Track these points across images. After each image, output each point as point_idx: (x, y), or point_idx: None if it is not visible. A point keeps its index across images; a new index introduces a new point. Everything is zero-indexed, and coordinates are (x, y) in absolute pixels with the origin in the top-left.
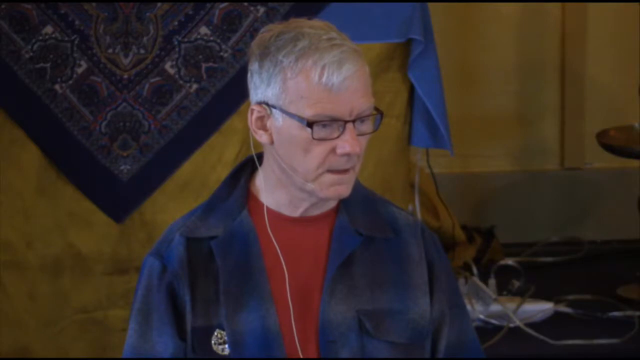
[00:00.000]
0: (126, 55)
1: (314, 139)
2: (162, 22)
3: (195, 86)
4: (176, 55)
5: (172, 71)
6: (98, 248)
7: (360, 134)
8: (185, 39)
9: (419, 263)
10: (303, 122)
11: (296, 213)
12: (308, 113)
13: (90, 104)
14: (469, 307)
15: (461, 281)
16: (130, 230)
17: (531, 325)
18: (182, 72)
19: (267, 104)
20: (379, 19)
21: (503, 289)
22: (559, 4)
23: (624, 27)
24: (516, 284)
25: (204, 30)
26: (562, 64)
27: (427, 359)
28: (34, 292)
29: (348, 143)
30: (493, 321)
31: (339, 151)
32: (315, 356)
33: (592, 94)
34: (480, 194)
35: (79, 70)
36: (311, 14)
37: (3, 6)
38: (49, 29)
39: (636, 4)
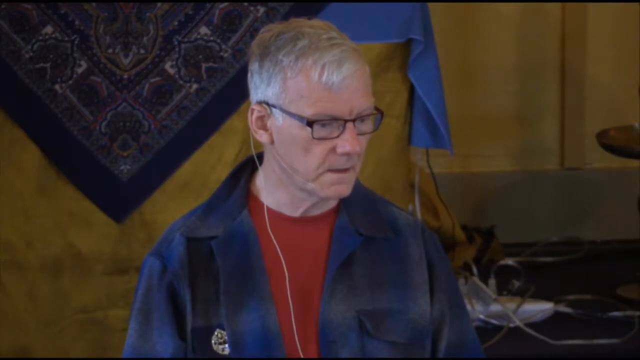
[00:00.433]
0: (126, 55)
1: (314, 138)
2: (162, 22)
3: (195, 86)
4: (176, 55)
5: (172, 71)
6: (98, 248)
7: (361, 134)
8: (185, 39)
9: (419, 263)
10: (303, 121)
11: (297, 213)
12: (308, 112)
13: (90, 104)
14: (469, 307)
15: (461, 281)
16: (130, 230)
17: (531, 325)
18: (182, 72)
19: (267, 104)
20: (379, 19)
21: (503, 289)
22: (559, 4)
23: (624, 27)
24: (516, 284)
25: (204, 30)
26: (562, 64)
27: (427, 359)
28: (34, 292)
29: (348, 142)
30: (493, 321)
31: (339, 150)
32: (315, 356)
33: (592, 94)
34: (480, 194)
35: (79, 70)
36: (311, 14)
37: (3, 6)
38: (49, 29)
39: (636, 4)
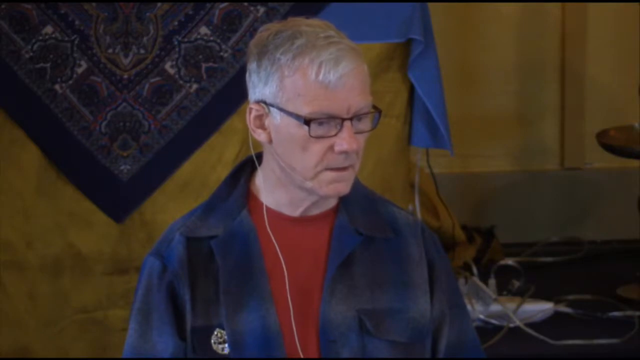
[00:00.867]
0: (126, 55)
1: (311, 136)
2: (162, 22)
3: (195, 86)
4: (176, 55)
5: (172, 71)
6: (98, 248)
7: (359, 132)
8: (185, 39)
9: (419, 263)
10: (300, 119)
11: (296, 212)
12: (305, 111)
13: (90, 104)
14: (469, 307)
15: (461, 281)
16: (130, 230)
17: (531, 325)
18: (182, 72)
19: (265, 103)
20: (379, 19)
21: (503, 289)
22: (559, 4)
23: (624, 27)
24: (516, 284)
25: (204, 30)
26: (562, 64)
27: (428, 359)
28: (34, 292)
29: (345, 141)
30: (493, 321)
31: (336, 149)
32: (315, 356)
33: (592, 94)
34: (480, 194)
35: (79, 70)
36: (311, 14)
37: (3, 6)
38: (49, 29)
39: (636, 4)
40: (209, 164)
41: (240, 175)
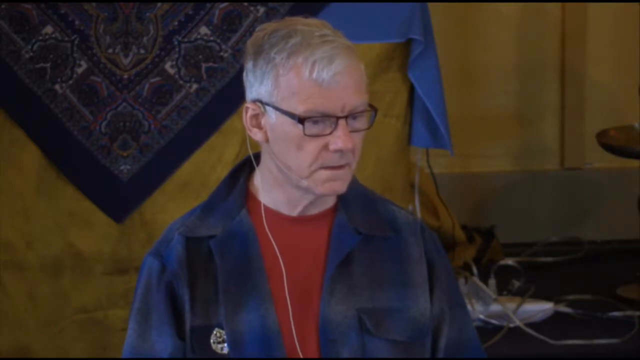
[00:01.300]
0: (126, 55)
1: (305, 135)
2: (162, 22)
3: (195, 86)
4: (176, 55)
5: (172, 71)
6: (98, 248)
7: (355, 131)
8: (185, 39)
9: (418, 262)
10: (295, 118)
11: (295, 212)
12: (300, 109)
13: (90, 104)
14: (469, 307)
15: (461, 281)
16: (130, 230)
17: (531, 325)
18: (182, 72)
19: (261, 102)
20: (379, 19)
21: (503, 289)
22: (559, 4)
23: (624, 27)
24: (516, 284)
25: (204, 30)
26: (562, 64)
27: (428, 359)
28: (34, 292)
29: (340, 139)
30: (493, 321)
31: (331, 147)
32: (315, 355)
33: (592, 94)
34: (480, 194)
35: (79, 70)
36: (311, 14)
37: (3, 6)
38: (49, 29)
39: (636, 4)
40: (209, 164)
41: (239, 175)
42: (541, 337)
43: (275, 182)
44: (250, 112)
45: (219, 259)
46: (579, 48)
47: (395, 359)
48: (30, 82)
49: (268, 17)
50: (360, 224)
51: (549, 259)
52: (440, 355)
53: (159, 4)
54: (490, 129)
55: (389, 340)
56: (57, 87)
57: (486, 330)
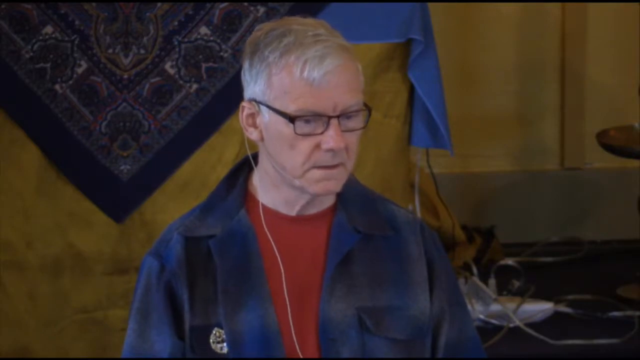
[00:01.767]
0: (126, 55)
1: (297, 134)
2: (162, 22)
3: (195, 86)
4: (176, 55)
5: (172, 71)
6: (98, 248)
7: (349, 130)
8: (185, 39)
9: (418, 260)
10: (286, 117)
11: (293, 212)
12: (291, 108)
13: (90, 104)
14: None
15: (461, 281)
16: (130, 230)
17: (531, 325)
18: (182, 72)
19: (256, 101)
20: (379, 19)
21: (503, 289)
22: (559, 4)
23: (624, 27)
24: (516, 284)
25: (204, 30)
26: (562, 64)
27: (428, 359)
28: (34, 292)
29: (332, 138)
30: (493, 321)
31: (323, 147)
32: (315, 355)
33: (592, 94)
34: (480, 194)
35: (79, 70)
36: (311, 14)
37: (3, 6)
38: (49, 29)
39: (636, 4)
40: (209, 164)
41: (238, 175)
42: (541, 337)
43: (273, 182)
44: (246, 111)
45: (218, 259)
46: (579, 48)
47: (396, 358)
48: (30, 82)
49: (268, 17)
50: (359, 223)
51: (549, 259)
52: (440, 354)
53: (159, 4)
54: (490, 129)
55: (388, 339)
56: (57, 87)
57: (486, 330)
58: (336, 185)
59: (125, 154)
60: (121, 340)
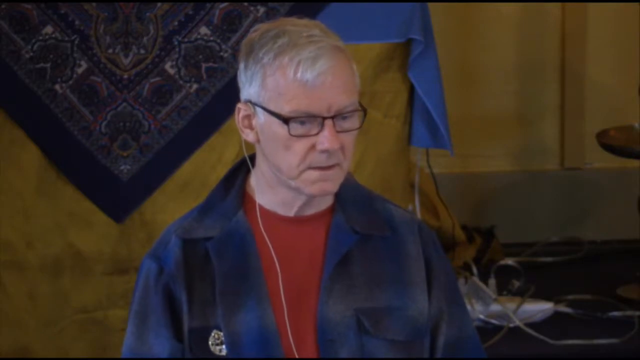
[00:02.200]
0: (126, 55)
1: (291, 135)
2: (162, 22)
3: (195, 86)
4: (176, 55)
5: (172, 71)
6: (98, 248)
7: (344, 131)
8: (185, 39)
9: (416, 260)
10: (281, 118)
11: (290, 213)
12: (286, 109)
13: (90, 104)
14: (469, 307)
15: (461, 281)
16: (130, 230)
17: (531, 325)
18: (182, 72)
19: (251, 102)
20: (379, 19)
21: (503, 289)
22: (559, 4)
23: (624, 27)
24: (516, 284)
25: (204, 30)
26: (562, 64)
27: (427, 359)
28: (34, 292)
29: (327, 139)
30: (493, 321)
31: (318, 148)
32: (314, 356)
33: (592, 94)
34: (480, 194)
35: (79, 70)
36: (311, 14)
37: (3, 6)
38: (49, 29)
39: (636, 4)
40: (209, 164)
41: (236, 176)
42: (541, 337)
43: (269, 183)
44: (242, 113)
45: (216, 261)
46: (579, 48)
47: (394, 358)
48: (30, 82)
49: (268, 17)
50: (357, 223)
51: (549, 259)
52: (439, 354)
53: (159, 4)
54: (490, 129)
55: (387, 340)
56: (57, 87)
57: (486, 330)
58: (332, 186)
59: (125, 154)
60: (121, 341)
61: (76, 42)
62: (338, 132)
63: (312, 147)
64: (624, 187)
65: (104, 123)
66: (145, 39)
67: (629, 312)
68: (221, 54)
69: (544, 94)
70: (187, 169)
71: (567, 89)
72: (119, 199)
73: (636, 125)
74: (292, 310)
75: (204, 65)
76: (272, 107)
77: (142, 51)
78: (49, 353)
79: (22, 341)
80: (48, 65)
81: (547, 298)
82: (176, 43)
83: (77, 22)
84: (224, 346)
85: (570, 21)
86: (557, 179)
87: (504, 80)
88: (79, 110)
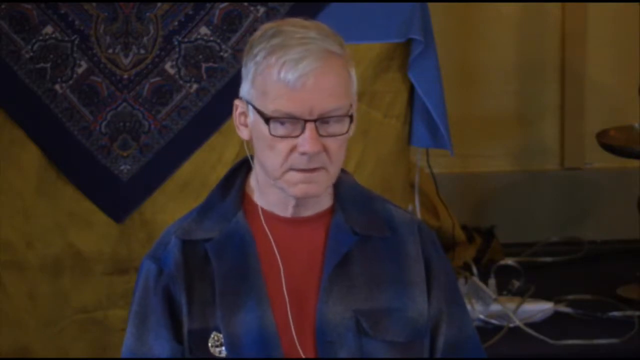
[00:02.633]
0: (126, 55)
1: (272, 135)
2: (162, 22)
3: (195, 86)
4: (176, 55)
5: (172, 71)
6: (98, 248)
7: (328, 135)
8: (185, 39)
9: (416, 260)
10: (263, 117)
11: (287, 213)
12: (269, 109)
13: (90, 104)
14: (469, 307)
15: (461, 281)
16: (130, 230)
17: (531, 325)
18: (182, 72)
19: (244, 99)
20: (379, 19)
21: (503, 289)
22: (559, 4)
23: (624, 27)
24: (516, 284)
25: (204, 30)
26: (562, 64)
27: (427, 359)
28: (34, 292)
29: (307, 142)
30: (493, 321)
31: (298, 150)
32: (312, 357)
33: (592, 94)
34: (480, 194)
35: (79, 70)
36: (311, 14)
37: (3, 6)
38: (49, 29)
39: (636, 4)
40: (209, 164)
41: (236, 176)
42: (541, 337)
43: (265, 183)
44: (239, 110)
45: (216, 262)
46: (579, 48)
47: (394, 359)
48: (30, 82)
49: (268, 17)
50: (357, 224)
51: (549, 259)
52: (439, 354)
53: (159, 4)
54: (490, 129)
55: (386, 342)
56: (57, 87)
57: (486, 330)
58: (316, 189)
59: (125, 154)
60: (121, 341)
61: (76, 42)
62: (322, 135)
63: (294, 148)
64: (624, 187)
65: (104, 123)
66: (145, 39)
67: (629, 312)
68: (221, 54)
69: (544, 94)
70: (187, 169)
71: (567, 89)
72: (119, 199)
73: (636, 125)
74: (291, 311)
75: (204, 65)
76: (258, 105)
77: (142, 51)
78: (49, 353)
79: (22, 341)
80: (48, 65)
81: (547, 298)
82: (176, 43)
83: (77, 22)
84: (223, 348)
85: (570, 21)
86: (557, 179)
87: (504, 80)
88: (79, 110)
